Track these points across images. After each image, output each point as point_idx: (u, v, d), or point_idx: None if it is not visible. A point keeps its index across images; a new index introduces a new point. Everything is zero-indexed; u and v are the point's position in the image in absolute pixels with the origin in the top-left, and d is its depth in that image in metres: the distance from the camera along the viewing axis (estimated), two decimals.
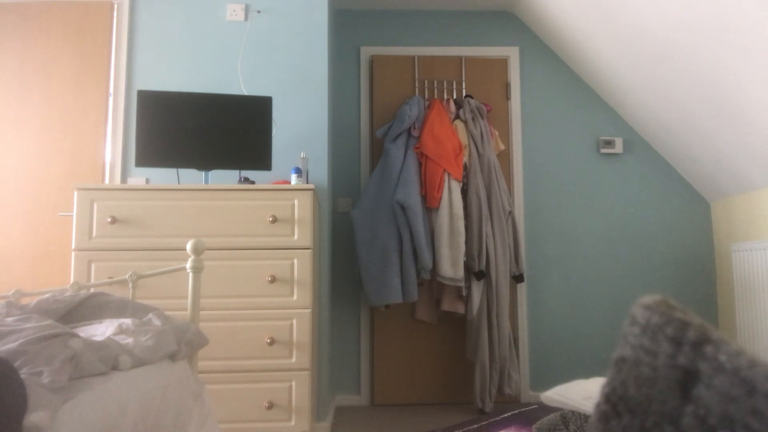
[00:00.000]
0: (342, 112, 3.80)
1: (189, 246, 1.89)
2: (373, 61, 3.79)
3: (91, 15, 3.23)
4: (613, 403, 0.45)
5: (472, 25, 3.88)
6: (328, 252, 3.28)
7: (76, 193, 2.54)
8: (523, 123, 3.81)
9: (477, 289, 3.26)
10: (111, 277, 2.48)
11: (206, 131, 2.76)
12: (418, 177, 3.32)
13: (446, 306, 3.34)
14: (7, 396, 0.88)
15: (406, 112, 3.42)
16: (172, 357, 1.64)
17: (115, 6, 3.22)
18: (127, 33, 3.14)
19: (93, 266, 2.51)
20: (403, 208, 3.23)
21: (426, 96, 3.75)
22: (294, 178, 2.72)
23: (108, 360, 1.30)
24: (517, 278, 3.44)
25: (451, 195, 3.27)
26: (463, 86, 3.77)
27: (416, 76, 3.78)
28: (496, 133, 3.67)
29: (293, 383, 2.48)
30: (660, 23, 2.76)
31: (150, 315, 1.73)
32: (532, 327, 3.67)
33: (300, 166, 2.85)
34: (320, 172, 3.06)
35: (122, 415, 1.22)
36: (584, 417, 1.14)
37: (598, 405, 0.46)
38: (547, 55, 3.87)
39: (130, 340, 1.47)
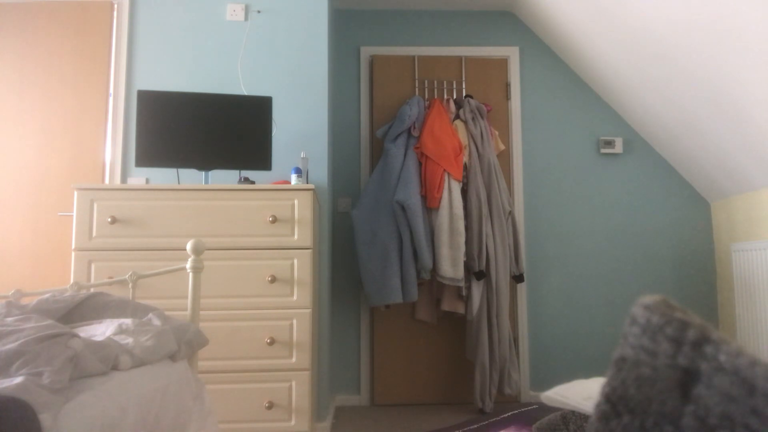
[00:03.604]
0: (342, 112, 3.80)
1: (189, 246, 1.89)
2: (373, 61, 3.79)
3: (91, 15, 3.23)
4: (613, 403, 0.45)
5: (472, 25, 3.88)
6: (328, 252, 3.28)
7: (76, 193, 2.54)
8: (523, 123, 3.81)
9: (477, 289, 3.26)
10: (111, 277, 2.48)
11: (206, 131, 2.76)
12: (418, 177, 3.32)
13: (446, 306, 3.34)
14: None
15: (406, 112, 3.42)
16: (172, 357, 1.64)
17: (115, 6, 3.22)
18: (127, 33, 3.14)
19: (93, 266, 2.51)
20: (403, 208, 3.23)
21: (426, 96, 3.75)
22: (294, 178, 2.72)
23: (108, 360, 1.30)
24: (517, 278, 3.44)
25: (451, 195, 3.26)
26: (463, 86, 3.77)
27: (416, 76, 3.78)
28: (496, 133, 3.67)
29: (293, 383, 2.48)
30: (660, 23, 2.76)
31: (150, 315, 1.73)
32: (532, 327, 3.67)
33: (300, 166, 2.85)
34: (320, 172, 3.06)
35: (122, 415, 1.22)
36: (584, 417, 1.14)
37: (598, 405, 0.46)
38: (547, 55, 3.87)
39: (130, 340, 1.47)
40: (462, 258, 3.21)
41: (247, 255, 2.54)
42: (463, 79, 3.78)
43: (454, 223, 3.23)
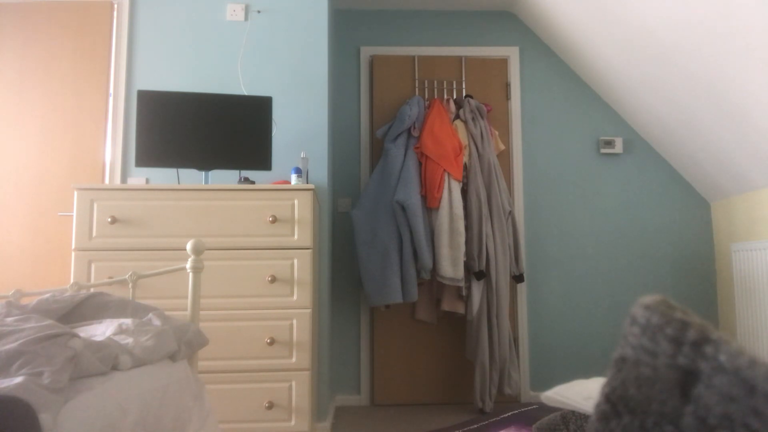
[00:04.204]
0: (342, 112, 3.80)
1: (189, 246, 1.89)
2: (373, 61, 3.79)
3: (91, 15, 3.23)
4: (613, 403, 0.45)
5: (472, 25, 3.88)
6: (328, 252, 3.28)
7: (76, 193, 2.54)
8: (523, 123, 3.81)
9: (477, 289, 3.26)
10: (111, 277, 2.48)
11: (206, 131, 2.76)
12: (418, 177, 3.32)
13: (446, 306, 3.34)
14: None
15: (406, 112, 3.42)
16: (172, 357, 1.64)
17: (115, 6, 3.22)
18: (127, 33, 3.14)
19: (93, 266, 2.51)
20: (403, 208, 3.23)
21: (426, 96, 3.75)
22: (294, 178, 2.72)
23: (108, 360, 1.30)
24: (517, 278, 3.44)
25: (451, 195, 3.26)
26: (463, 86, 3.77)
27: (416, 76, 3.78)
28: (496, 133, 3.67)
29: (293, 383, 2.48)
30: (660, 23, 2.76)
31: (150, 315, 1.73)
32: (532, 327, 3.67)
33: (300, 166, 2.85)
34: (320, 172, 3.06)
35: (122, 415, 1.22)
36: (584, 417, 1.14)
37: (598, 405, 0.46)
38: (547, 55, 3.87)
39: (130, 340, 1.47)
40: (462, 258, 3.21)
41: (247, 255, 2.54)
42: (463, 79, 3.78)
43: (454, 223, 3.23)
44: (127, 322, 1.58)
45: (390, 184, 3.30)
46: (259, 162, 2.78)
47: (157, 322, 1.68)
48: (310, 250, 2.56)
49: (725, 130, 3.01)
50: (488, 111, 3.64)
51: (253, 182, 2.73)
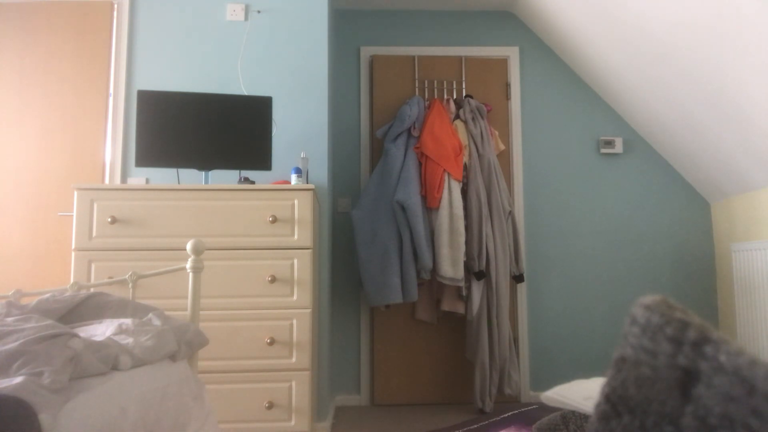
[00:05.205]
0: (342, 112, 3.80)
1: (189, 246, 1.89)
2: (373, 61, 3.79)
3: (91, 15, 3.23)
4: (613, 403, 0.45)
5: (472, 25, 3.88)
6: (328, 252, 3.28)
7: (76, 193, 2.54)
8: (523, 123, 3.81)
9: (477, 289, 3.26)
10: (111, 277, 2.48)
11: (206, 131, 2.76)
12: (418, 177, 3.32)
13: (446, 306, 3.34)
14: None
15: (406, 112, 3.42)
16: (172, 357, 1.64)
17: (115, 6, 3.22)
18: (127, 33, 3.14)
19: (93, 266, 2.51)
20: (403, 208, 3.23)
21: (426, 96, 3.75)
22: (294, 178, 2.72)
23: (108, 360, 1.30)
24: (517, 278, 3.44)
25: (451, 195, 3.26)
26: (463, 86, 3.77)
27: (416, 76, 3.78)
28: (496, 133, 3.67)
29: (293, 383, 2.48)
30: (660, 23, 2.76)
31: (150, 315, 1.73)
32: (532, 327, 3.67)
33: (300, 166, 2.85)
34: (320, 172, 3.06)
35: (122, 415, 1.22)
36: (584, 417, 1.14)
37: (598, 405, 0.46)
38: (547, 55, 3.87)
39: (130, 340, 1.47)
40: (462, 258, 3.21)
41: (247, 255, 2.54)
42: (463, 79, 3.78)
43: (454, 223, 3.23)
44: (127, 322, 1.58)
45: (390, 184, 3.30)
46: (259, 162, 2.78)
47: (157, 322, 1.68)
48: (310, 250, 2.56)
49: (725, 130, 3.01)
50: (488, 111, 3.64)
51: (253, 182, 2.73)
